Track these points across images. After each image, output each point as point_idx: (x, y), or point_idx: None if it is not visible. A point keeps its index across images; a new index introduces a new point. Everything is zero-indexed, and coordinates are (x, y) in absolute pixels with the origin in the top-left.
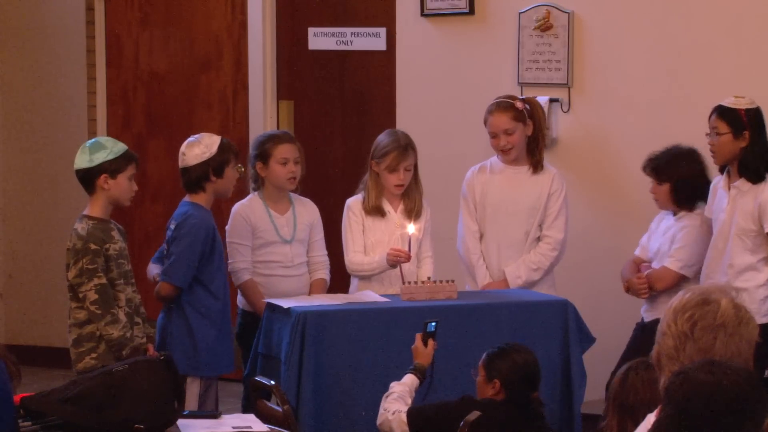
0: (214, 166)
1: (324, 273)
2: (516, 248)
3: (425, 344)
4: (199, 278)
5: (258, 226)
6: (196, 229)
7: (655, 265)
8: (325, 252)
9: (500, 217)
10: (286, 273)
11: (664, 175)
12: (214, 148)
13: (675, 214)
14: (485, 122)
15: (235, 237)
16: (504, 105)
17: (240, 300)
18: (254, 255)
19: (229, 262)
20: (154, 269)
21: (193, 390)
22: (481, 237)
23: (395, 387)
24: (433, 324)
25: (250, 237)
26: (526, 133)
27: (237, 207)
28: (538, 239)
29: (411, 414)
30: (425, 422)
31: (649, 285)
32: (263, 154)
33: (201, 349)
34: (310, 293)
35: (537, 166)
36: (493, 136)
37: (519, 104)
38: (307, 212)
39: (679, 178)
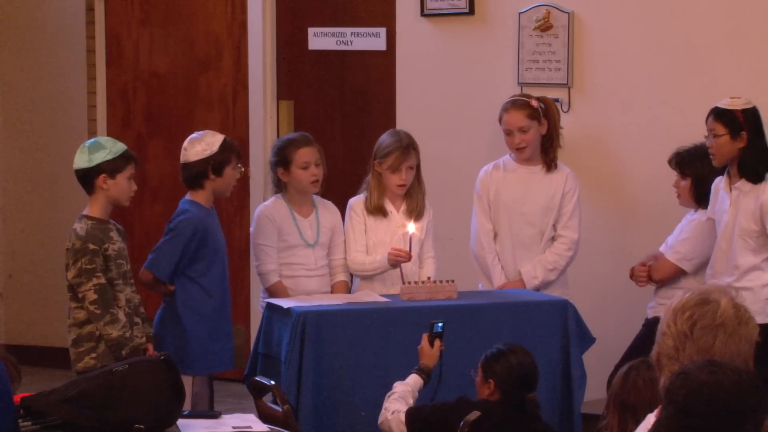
0: (213, 165)
1: (345, 275)
2: (530, 248)
3: (431, 345)
4: (187, 274)
5: (283, 229)
6: (185, 225)
7: None
8: (345, 255)
9: (514, 216)
10: (309, 275)
11: (688, 169)
12: (216, 147)
13: (695, 212)
14: (500, 120)
15: (260, 239)
16: (519, 103)
17: (261, 304)
18: (278, 257)
19: (255, 264)
20: None
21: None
22: (495, 236)
23: (398, 387)
24: (440, 324)
25: (276, 239)
26: (540, 131)
27: (261, 209)
28: (553, 239)
29: (409, 414)
30: (423, 423)
31: (649, 274)
32: (284, 160)
33: (191, 347)
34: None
35: (551, 165)
36: (508, 133)
37: (534, 102)
38: (329, 215)
39: (702, 175)
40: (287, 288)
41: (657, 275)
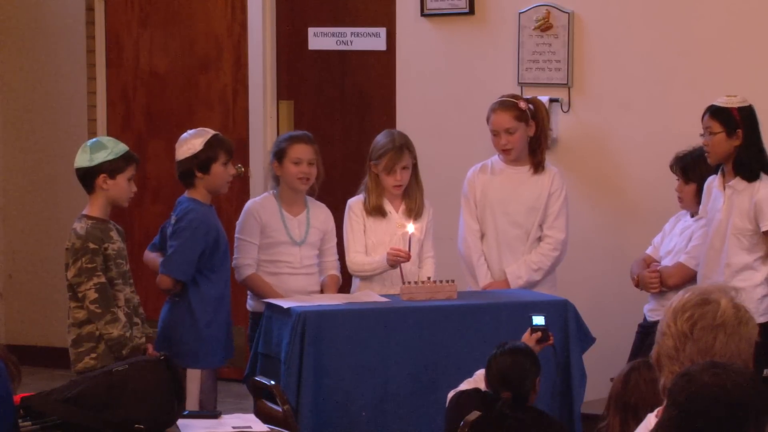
0: (198, 163)
1: (335, 271)
2: (516, 248)
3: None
4: (201, 271)
5: (268, 225)
6: (196, 223)
7: (666, 263)
8: (337, 257)
9: (500, 216)
10: (294, 273)
11: (692, 174)
12: (199, 146)
13: (693, 215)
14: (488, 120)
15: (241, 233)
16: (507, 104)
17: (249, 303)
18: (262, 254)
19: (234, 257)
20: (154, 258)
21: (193, 384)
22: (482, 236)
23: (481, 370)
24: (540, 317)
25: (257, 235)
26: (528, 133)
27: (250, 204)
28: (539, 239)
29: (455, 394)
30: (449, 407)
31: (661, 280)
32: (279, 153)
33: (207, 341)
34: (322, 290)
35: (538, 166)
36: (495, 134)
37: (522, 104)
38: (322, 216)
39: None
40: (268, 283)
41: (672, 281)
